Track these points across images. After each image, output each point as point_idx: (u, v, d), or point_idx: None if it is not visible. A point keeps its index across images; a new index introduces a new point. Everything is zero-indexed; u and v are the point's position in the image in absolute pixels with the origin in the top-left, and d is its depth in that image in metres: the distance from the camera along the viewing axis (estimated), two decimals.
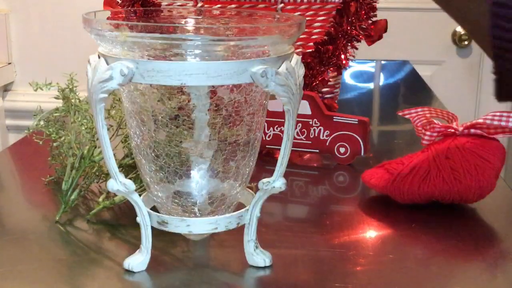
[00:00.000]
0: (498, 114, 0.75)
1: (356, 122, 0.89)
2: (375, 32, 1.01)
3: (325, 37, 0.99)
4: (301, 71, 0.56)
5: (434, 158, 0.74)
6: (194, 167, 0.58)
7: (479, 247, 0.67)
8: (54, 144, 0.76)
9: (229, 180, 0.60)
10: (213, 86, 0.55)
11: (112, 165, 0.56)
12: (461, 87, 1.96)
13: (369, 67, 1.62)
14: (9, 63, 1.82)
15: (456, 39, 1.95)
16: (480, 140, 0.75)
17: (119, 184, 0.56)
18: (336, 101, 1.08)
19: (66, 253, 0.64)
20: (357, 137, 0.89)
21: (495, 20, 0.39)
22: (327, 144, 0.90)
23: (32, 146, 0.97)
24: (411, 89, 1.52)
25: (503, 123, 0.75)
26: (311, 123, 0.90)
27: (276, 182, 0.58)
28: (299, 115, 0.88)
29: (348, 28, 0.99)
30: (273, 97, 0.57)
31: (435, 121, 0.80)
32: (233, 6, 0.96)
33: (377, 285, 0.59)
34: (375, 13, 1.01)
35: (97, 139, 0.60)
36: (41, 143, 0.78)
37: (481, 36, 0.44)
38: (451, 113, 0.81)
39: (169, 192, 0.60)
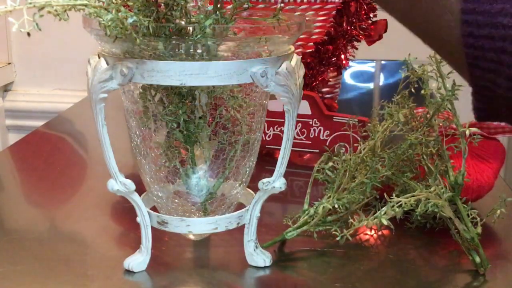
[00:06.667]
0: None
1: (356, 122, 0.89)
2: (375, 32, 1.01)
3: (325, 37, 0.99)
4: (301, 71, 0.55)
5: None
6: (194, 167, 0.58)
7: None
8: None
9: (229, 180, 0.60)
10: (213, 86, 0.55)
11: (112, 165, 0.56)
12: (461, 86, 1.96)
13: (369, 67, 1.61)
14: (9, 63, 1.82)
15: None
16: (480, 140, 0.75)
17: (119, 184, 0.56)
18: (336, 101, 1.08)
19: (66, 253, 0.64)
20: (357, 137, 0.89)
21: (465, 28, 0.38)
22: (327, 144, 0.90)
23: (32, 146, 0.97)
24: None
25: (503, 123, 0.75)
26: (311, 123, 0.90)
27: (276, 182, 0.58)
28: (299, 115, 0.88)
29: (348, 28, 0.99)
30: (273, 97, 0.57)
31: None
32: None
33: (377, 285, 0.59)
34: (375, 13, 1.01)
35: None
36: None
37: (450, 52, 0.43)
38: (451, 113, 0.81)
39: (169, 192, 0.60)
